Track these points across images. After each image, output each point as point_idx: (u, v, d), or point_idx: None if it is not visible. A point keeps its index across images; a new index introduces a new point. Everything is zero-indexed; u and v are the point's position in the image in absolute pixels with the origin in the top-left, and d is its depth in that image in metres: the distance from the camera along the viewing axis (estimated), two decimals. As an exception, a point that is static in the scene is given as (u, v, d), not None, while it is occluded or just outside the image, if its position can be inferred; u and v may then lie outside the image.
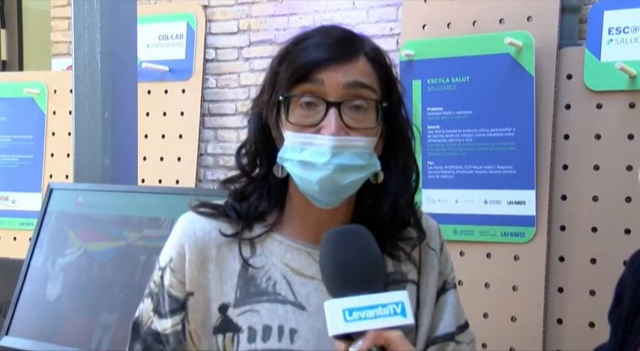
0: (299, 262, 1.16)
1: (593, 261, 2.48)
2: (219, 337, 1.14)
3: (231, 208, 1.18)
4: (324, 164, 1.07)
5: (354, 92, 1.10)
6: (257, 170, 1.19)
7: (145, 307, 1.20)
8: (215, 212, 1.19)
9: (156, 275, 1.19)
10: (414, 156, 1.20)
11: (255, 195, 1.18)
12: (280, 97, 1.11)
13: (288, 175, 1.14)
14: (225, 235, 1.16)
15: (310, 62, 1.09)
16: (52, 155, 3.70)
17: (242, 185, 1.20)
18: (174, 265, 1.16)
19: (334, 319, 0.97)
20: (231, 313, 1.14)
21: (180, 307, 1.16)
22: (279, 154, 1.13)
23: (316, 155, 1.08)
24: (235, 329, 1.13)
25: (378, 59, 1.14)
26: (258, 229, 1.17)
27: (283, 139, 1.13)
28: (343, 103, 1.09)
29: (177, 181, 3.52)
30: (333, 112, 1.08)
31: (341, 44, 1.12)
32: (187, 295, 1.15)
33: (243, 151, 1.19)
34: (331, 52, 1.10)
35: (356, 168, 1.09)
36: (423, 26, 2.83)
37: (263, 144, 1.17)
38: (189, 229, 1.17)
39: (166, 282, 1.17)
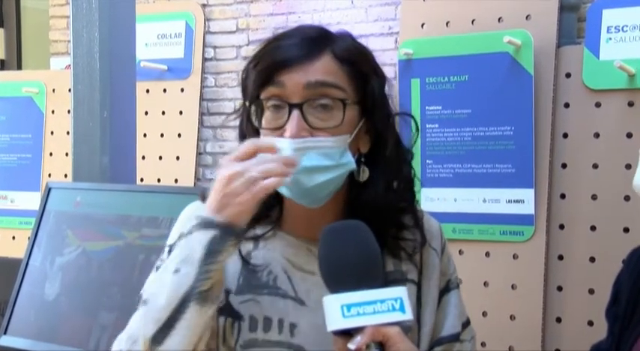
0: (300, 257, 1.16)
1: (592, 259, 2.48)
2: (221, 319, 1.14)
3: None
4: None
5: (318, 92, 1.09)
6: None
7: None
8: None
9: (164, 254, 1.18)
10: (403, 152, 1.19)
11: None
12: (250, 103, 1.12)
13: None
14: None
15: (271, 65, 1.09)
16: (50, 154, 3.70)
17: None
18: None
19: (332, 315, 0.97)
20: (233, 299, 1.14)
21: None
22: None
23: None
24: (236, 316, 1.14)
25: (348, 57, 1.13)
26: (260, 228, 1.17)
27: None
28: (306, 103, 1.08)
29: (176, 180, 3.52)
30: (295, 114, 1.07)
31: (303, 44, 1.11)
32: None
33: None
34: (292, 53, 1.10)
35: (323, 169, 1.08)
36: (422, 25, 2.83)
37: None
38: (197, 212, 1.18)
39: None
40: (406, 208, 1.19)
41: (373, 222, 1.12)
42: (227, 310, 1.14)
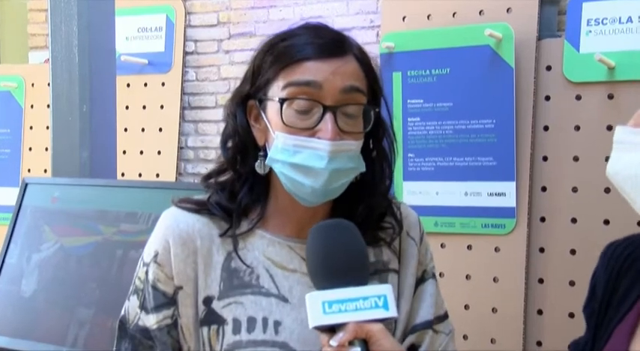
0: (281, 255, 1.16)
1: (573, 252, 2.49)
2: (204, 329, 1.14)
3: (215, 205, 1.17)
4: (321, 169, 1.07)
5: (349, 97, 1.10)
6: (239, 165, 1.18)
7: (132, 304, 1.19)
8: (199, 209, 1.18)
9: (140, 272, 1.18)
10: (394, 153, 1.21)
11: (241, 191, 1.17)
12: (276, 99, 1.10)
13: (270, 171, 1.14)
14: (220, 235, 1.16)
15: (306, 66, 1.09)
16: (29, 149, 3.67)
17: (227, 180, 1.19)
18: (160, 259, 1.16)
19: (313, 311, 0.98)
20: (216, 305, 1.14)
21: (168, 301, 1.15)
22: (270, 155, 1.12)
23: (313, 159, 1.08)
24: (220, 321, 1.13)
25: (366, 60, 1.15)
26: (243, 226, 1.17)
27: (268, 136, 1.12)
28: (339, 108, 1.08)
29: (158, 175, 3.50)
30: (329, 116, 1.08)
31: (333, 45, 1.11)
32: (177, 289, 1.15)
33: (230, 144, 1.18)
34: (323, 52, 1.09)
35: (348, 171, 1.10)
36: (403, 18, 2.83)
37: (250, 139, 1.16)
38: (173, 222, 1.17)
39: (151, 276, 1.16)
40: (383, 199, 1.20)
41: (358, 218, 1.13)
42: (211, 319, 1.14)
